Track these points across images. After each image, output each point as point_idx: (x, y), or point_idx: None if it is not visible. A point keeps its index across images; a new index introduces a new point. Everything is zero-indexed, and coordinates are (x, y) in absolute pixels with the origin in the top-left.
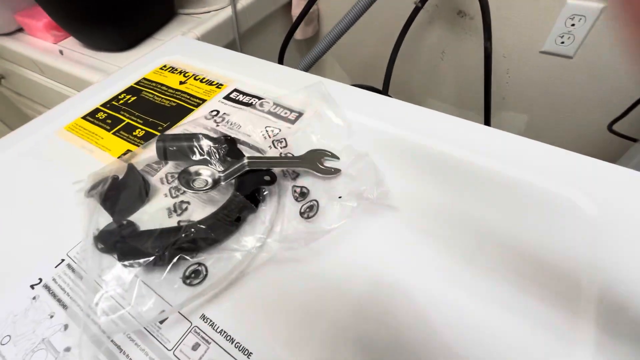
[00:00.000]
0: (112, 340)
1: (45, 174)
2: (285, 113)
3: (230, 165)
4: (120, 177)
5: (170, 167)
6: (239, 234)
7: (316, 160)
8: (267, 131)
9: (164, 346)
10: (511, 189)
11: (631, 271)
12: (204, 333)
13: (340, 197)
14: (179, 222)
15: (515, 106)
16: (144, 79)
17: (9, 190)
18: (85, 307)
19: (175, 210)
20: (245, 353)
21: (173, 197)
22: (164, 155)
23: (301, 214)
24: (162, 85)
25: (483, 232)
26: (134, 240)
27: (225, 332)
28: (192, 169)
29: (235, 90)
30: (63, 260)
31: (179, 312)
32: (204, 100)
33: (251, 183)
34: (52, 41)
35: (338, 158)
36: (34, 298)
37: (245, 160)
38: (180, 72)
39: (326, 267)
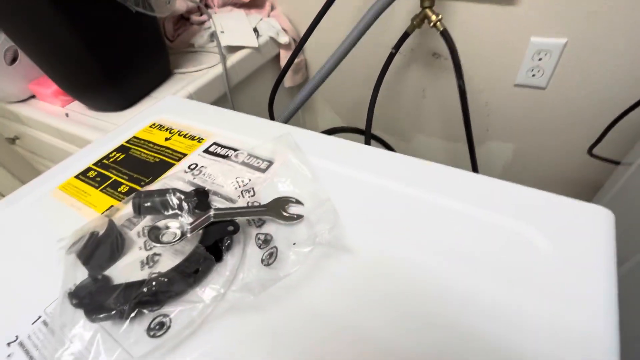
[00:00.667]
0: None
1: (34, 233)
2: (258, 163)
3: (198, 218)
4: (101, 232)
5: (147, 220)
6: (201, 285)
7: (280, 208)
8: (237, 182)
9: None
10: (468, 228)
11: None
12: None
13: (294, 244)
14: (150, 274)
15: (500, 136)
16: (134, 137)
17: None
18: None
19: (147, 263)
20: None
21: (147, 250)
22: (139, 210)
23: (262, 261)
24: (149, 142)
25: (435, 276)
26: (100, 295)
27: None
28: (161, 223)
29: (215, 143)
30: (40, 317)
31: None
32: (185, 155)
33: (215, 234)
34: (60, 105)
35: (302, 204)
36: (8, 356)
37: (211, 212)
38: (167, 129)
39: (283, 313)
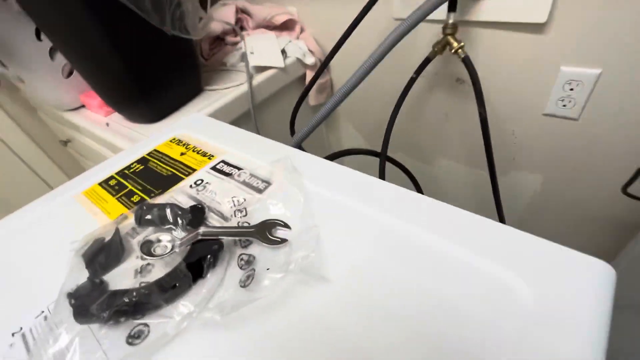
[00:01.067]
0: None
1: (53, 233)
2: (257, 183)
3: (188, 234)
4: (107, 238)
5: (149, 231)
6: (176, 301)
7: (267, 230)
8: (233, 201)
9: None
10: (454, 270)
11: None
12: None
13: (267, 269)
14: (140, 283)
15: (527, 166)
16: (155, 150)
17: (21, 245)
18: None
19: (140, 272)
20: None
21: (142, 260)
22: (139, 222)
23: (240, 282)
24: (167, 156)
25: (410, 317)
26: (90, 299)
27: None
28: (154, 237)
29: (223, 161)
30: (42, 312)
31: None
32: (194, 170)
33: (200, 251)
34: (103, 115)
35: (289, 228)
36: (11, 345)
37: (200, 230)
38: (184, 145)
39: (250, 335)
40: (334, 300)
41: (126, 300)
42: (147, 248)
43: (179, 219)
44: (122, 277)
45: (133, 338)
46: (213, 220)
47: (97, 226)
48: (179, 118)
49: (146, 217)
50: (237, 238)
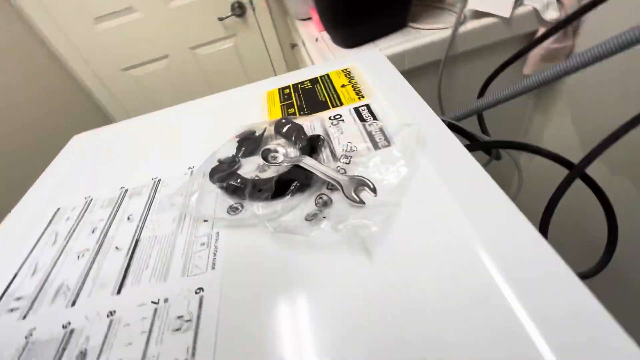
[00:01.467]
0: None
1: (236, 116)
2: (379, 139)
3: (295, 157)
4: (257, 133)
5: (278, 141)
6: (259, 203)
7: (353, 185)
8: (347, 145)
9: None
10: None
11: None
12: None
13: (330, 218)
14: (255, 175)
15: None
16: (327, 74)
17: (209, 119)
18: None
19: (259, 168)
20: None
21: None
22: (276, 131)
23: (307, 215)
24: (331, 83)
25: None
26: (221, 167)
27: None
28: (273, 146)
29: (367, 105)
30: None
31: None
32: (341, 104)
33: (293, 175)
34: (317, 30)
35: (374, 194)
36: (185, 174)
37: (302, 158)
38: (349, 78)
39: (284, 257)
40: (361, 280)
41: (234, 182)
42: (265, 154)
43: (298, 141)
44: (249, 165)
45: (232, 210)
46: (323, 154)
47: (259, 121)
48: (372, 48)
49: (280, 130)
50: (326, 180)
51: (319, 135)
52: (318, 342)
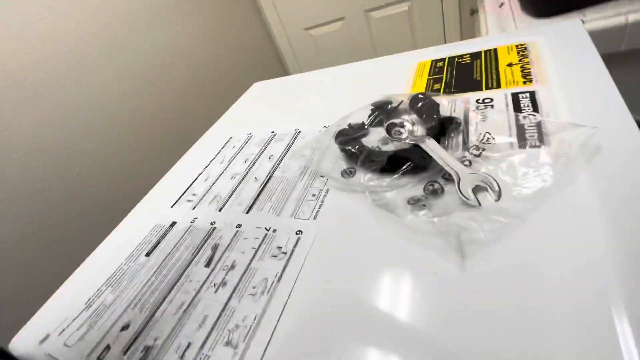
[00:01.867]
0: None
1: (382, 84)
2: (530, 136)
3: (418, 136)
4: (393, 105)
5: (409, 116)
6: (367, 174)
7: (472, 182)
8: (484, 135)
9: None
10: None
11: None
12: None
13: (424, 206)
14: (376, 146)
15: None
16: (495, 49)
17: (368, 85)
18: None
19: (381, 139)
20: None
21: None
22: (411, 106)
23: (410, 199)
24: (496, 60)
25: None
26: (347, 131)
27: None
28: (399, 121)
29: (531, 92)
30: (326, 126)
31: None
32: (499, 87)
33: (410, 154)
34: None
35: (497, 198)
36: (323, 129)
37: (425, 140)
38: (522, 55)
39: (364, 231)
40: (440, 281)
41: (351, 148)
42: (390, 127)
43: (429, 120)
44: (374, 135)
45: (345, 173)
46: (454, 140)
47: (400, 92)
48: (572, 19)
49: (415, 105)
50: (443, 167)
51: (453, 118)
52: (371, 306)
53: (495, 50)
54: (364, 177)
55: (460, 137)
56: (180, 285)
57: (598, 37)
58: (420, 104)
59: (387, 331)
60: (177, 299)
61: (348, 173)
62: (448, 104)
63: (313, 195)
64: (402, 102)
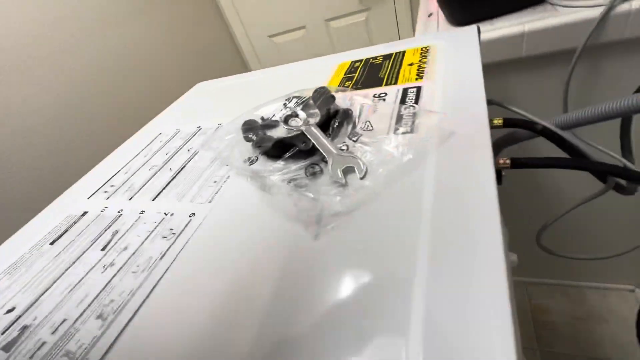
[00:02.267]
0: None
1: (307, 82)
2: (405, 124)
3: (306, 124)
4: (303, 99)
5: (309, 108)
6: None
7: (342, 163)
8: (366, 123)
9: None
10: None
11: None
12: None
13: (291, 180)
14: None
15: None
16: (403, 51)
17: (296, 82)
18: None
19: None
20: None
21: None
22: (313, 100)
23: (288, 179)
24: (401, 61)
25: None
26: (254, 123)
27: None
28: (294, 112)
29: (417, 88)
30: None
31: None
32: (395, 84)
33: (295, 140)
34: (434, 7)
35: (362, 176)
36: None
37: (308, 127)
38: (422, 57)
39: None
40: (297, 252)
41: (247, 135)
42: (287, 117)
43: (322, 111)
44: (278, 126)
45: (247, 160)
46: (344, 128)
47: (312, 87)
48: (490, 25)
49: (316, 98)
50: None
51: (343, 110)
52: (238, 274)
53: (404, 52)
54: (259, 163)
55: (350, 127)
56: (74, 268)
57: (503, 43)
58: (320, 97)
59: (250, 294)
60: (66, 281)
61: (249, 160)
62: (346, 98)
63: (214, 181)
64: (309, 96)
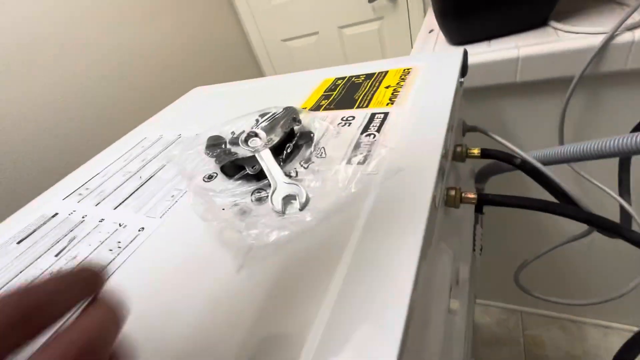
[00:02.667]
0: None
1: (288, 96)
2: (361, 154)
3: (263, 146)
4: (276, 116)
5: (272, 128)
6: (218, 178)
7: (285, 191)
8: (320, 151)
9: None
10: None
11: None
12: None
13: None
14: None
15: None
16: (386, 71)
17: (279, 95)
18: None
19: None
20: None
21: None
22: (281, 120)
23: (234, 204)
24: (380, 82)
25: None
26: (219, 139)
27: None
28: (255, 131)
29: (384, 114)
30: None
31: None
32: (367, 107)
33: (247, 162)
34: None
35: (301, 208)
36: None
37: (260, 150)
38: (402, 79)
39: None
40: (218, 283)
41: (208, 152)
42: (248, 136)
43: (283, 130)
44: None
45: (207, 177)
46: (303, 151)
47: (285, 105)
48: (486, 47)
49: (285, 118)
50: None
51: (302, 133)
52: (160, 295)
53: (386, 72)
54: (217, 181)
55: (308, 151)
56: (26, 273)
57: (497, 67)
58: (285, 117)
59: (170, 318)
60: (13, 284)
61: (210, 177)
62: (315, 119)
63: (172, 195)
64: (277, 114)
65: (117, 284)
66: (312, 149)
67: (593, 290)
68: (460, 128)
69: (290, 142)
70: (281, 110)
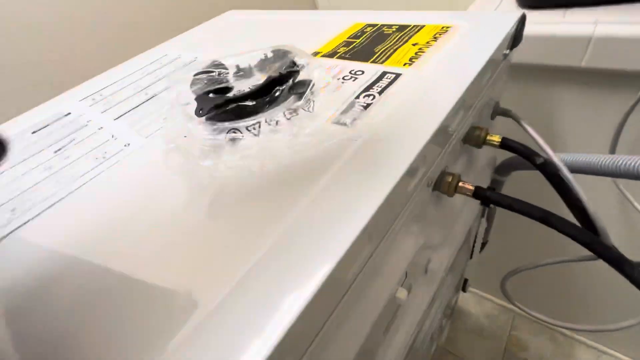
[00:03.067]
0: None
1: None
2: (350, 116)
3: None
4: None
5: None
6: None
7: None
8: (308, 102)
9: None
10: None
11: None
12: None
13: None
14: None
15: None
16: (423, 25)
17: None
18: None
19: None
20: None
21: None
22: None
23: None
24: (411, 36)
25: None
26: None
27: None
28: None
29: (396, 74)
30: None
31: None
32: (383, 63)
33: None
34: None
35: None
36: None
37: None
38: (435, 38)
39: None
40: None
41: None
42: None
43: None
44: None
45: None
46: (292, 99)
47: (309, 46)
48: (561, 17)
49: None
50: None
51: (298, 81)
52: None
53: (421, 27)
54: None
55: (299, 102)
56: (27, 162)
57: (562, 44)
58: (282, 61)
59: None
60: (18, 170)
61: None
62: (314, 67)
63: (164, 118)
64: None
65: (87, 192)
66: (302, 100)
67: (592, 312)
68: (490, 109)
69: (280, 86)
70: (295, 51)
